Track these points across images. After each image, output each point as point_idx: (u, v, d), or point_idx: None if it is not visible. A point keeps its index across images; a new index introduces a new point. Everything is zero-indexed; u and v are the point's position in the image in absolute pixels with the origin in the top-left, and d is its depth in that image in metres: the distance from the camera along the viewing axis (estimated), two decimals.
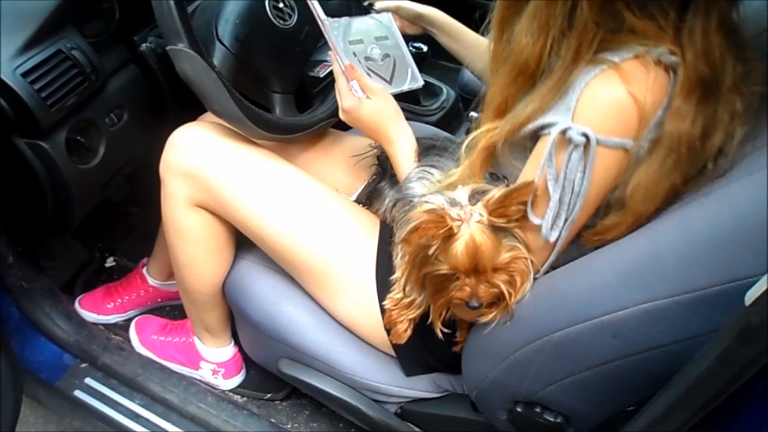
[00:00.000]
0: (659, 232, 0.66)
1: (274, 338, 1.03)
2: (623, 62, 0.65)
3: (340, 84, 0.93)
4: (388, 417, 1.01)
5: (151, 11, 0.86)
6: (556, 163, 0.66)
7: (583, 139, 0.64)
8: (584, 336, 0.68)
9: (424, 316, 0.81)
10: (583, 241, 0.74)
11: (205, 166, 0.97)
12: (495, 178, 0.77)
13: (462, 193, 0.72)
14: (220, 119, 0.97)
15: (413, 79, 1.03)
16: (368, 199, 1.06)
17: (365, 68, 0.95)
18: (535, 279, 0.75)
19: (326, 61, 1.19)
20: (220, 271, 1.07)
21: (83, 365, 1.25)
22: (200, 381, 1.24)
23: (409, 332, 0.86)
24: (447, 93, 1.64)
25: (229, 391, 1.25)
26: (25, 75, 0.89)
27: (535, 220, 0.69)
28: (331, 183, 1.05)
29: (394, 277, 0.84)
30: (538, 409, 0.78)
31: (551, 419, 0.78)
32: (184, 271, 1.07)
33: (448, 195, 0.72)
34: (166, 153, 1.00)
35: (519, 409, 0.80)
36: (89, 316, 1.32)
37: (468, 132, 0.81)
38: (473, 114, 0.85)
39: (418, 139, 0.93)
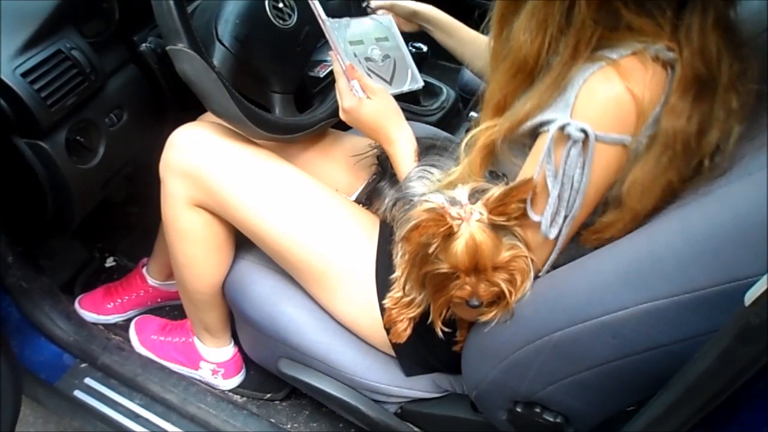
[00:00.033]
0: (659, 232, 0.66)
1: (274, 338, 1.03)
2: (621, 59, 0.65)
3: (341, 84, 0.93)
4: (387, 417, 1.01)
5: (150, 11, 0.86)
6: (555, 159, 0.66)
7: (581, 135, 0.64)
8: (584, 336, 0.68)
9: (424, 315, 0.81)
10: (582, 240, 0.74)
11: (205, 166, 0.97)
12: (495, 176, 0.78)
13: (462, 192, 0.72)
14: (220, 119, 0.97)
15: (413, 80, 1.03)
16: (368, 198, 1.06)
17: (365, 69, 0.95)
18: (537, 278, 0.75)
19: (326, 61, 1.19)
20: (220, 271, 1.07)
21: (83, 365, 1.25)
22: (200, 381, 1.24)
23: (408, 331, 0.86)
24: (447, 93, 1.64)
25: (229, 391, 1.25)
26: (24, 75, 0.89)
27: (534, 216, 0.69)
28: (331, 183, 1.05)
29: (394, 275, 0.84)
30: (537, 409, 0.78)
31: (551, 419, 0.78)
32: (184, 271, 1.07)
33: (448, 194, 0.72)
34: (166, 153, 1.00)
35: (519, 409, 0.80)
36: (89, 316, 1.32)
37: (468, 131, 0.81)
38: (473, 114, 0.85)
39: (418, 139, 0.93)
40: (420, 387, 0.98)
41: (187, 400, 1.20)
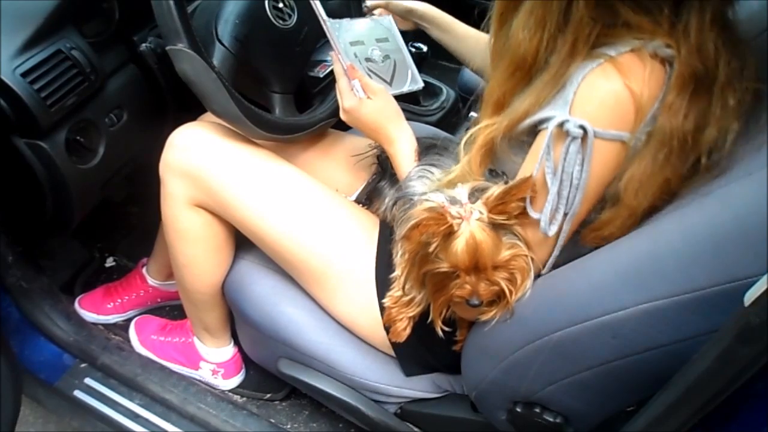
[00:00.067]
0: (659, 232, 0.66)
1: (274, 338, 1.03)
2: (620, 56, 0.66)
3: (342, 84, 0.93)
4: (387, 417, 1.01)
5: (150, 11, 0.86)
6: (554, 156, 0.67)
7: (580, 132, 0.64)
8: (584, 336, 0.68)
9: (424, 315, 0.81)
10: (580, 238, 0.74)
11: (205, 166, 0.97)
12: (494, 174, 0.78)
13: (462, 191, 0.72)
14: (220, 119, 0.97)
15: (413, 81, 1.03)
16: (368, 198, 1.06)
17: (366, 69, 0.95)
18: (538, 276, 0.75)
19: (326, 61, 1.19)
20: (220, 271, 1.07)
21: (83, 365, 1.25)
22: (200, 381, 1.24)
23: (408, 330, 0.86)
24: (447, 93, 1.64)
25: (229, 391, 1.25)
26: (24, 75, 0.89)
27: (534, 214, 0.69)
28: (331, 183, 1.05)
29: (393, 275, 0.84)
30: (537, 410, 0.78)
31: (551, 419, 0.78)
32: (184, 271, 1.07)
33: (448, 193, 0.72)
34: (166, 153, 1.00)
35: (518, 410, 0.80)
36: (89, 316, 1.32)
37: (467, 130, 0.81)
38: (473, 114, 0.86)
39: (418, 139, 0.93)
40: (420, 387, 0.98)
41: (187, 400, 1.20)
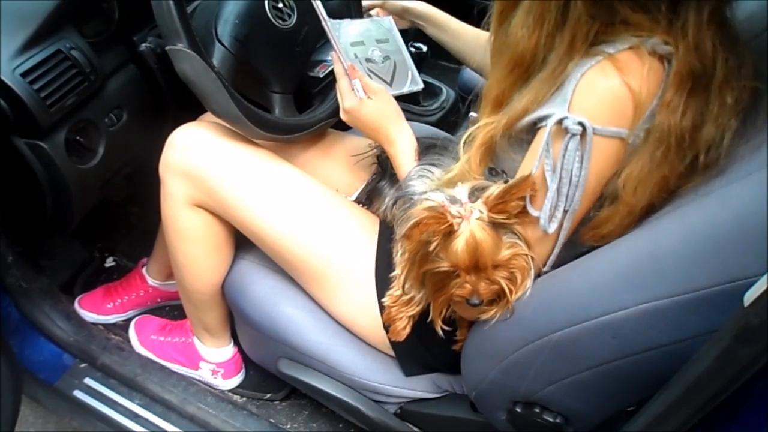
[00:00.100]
0: (659, 232, 0.66)
1: (274, 338, 1.03)
2: (618, 53, 0.66)
3: (342, 84, 0.93)
4: (387, 417, 1.01)
5: (150, 11, 0.86)
6: (554, 153, 0.67)
7: (579, 129, 0.64)
8: (584, 336, 0.68)
9: (424, 315, 0.81)
10: (579, 237, 0.74)
11: (205, 166, 0.97)
12: (494, 173, 0.78)
13: (462, 191, 0.72)
14: (220, 119, 0.97)
15: (413, 82, 1.03)
16: (368, 198, 1.06)
17: (366, 70, 0.95)
18: (540, 275, 0.75)
19: (326, 61, 1.19)
20: (220, 271, 1.07)
21: (83, 365, 1.25)
22: (200, 381, 1.24)
23: (407, 330, 0.86)
24: (447, 93, 1.64)
25: (229, 391, 1.25)
26: (24, 75, 0.89)
27: (533, 211, 0.70)
28: (331, 183, 1.05)
29: (393, 274, 0.84)
30: (537, 410, 0.78)
31: (550, 419, 0.78)
32: (184, 271, 1.07)
33: (448, 192, 0.73)
34: (166, 153, 1.00)
35: (518, 410, 0.80)
36: (89, 316, 1.32)
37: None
38: (473, 114, 0.86)
39: (418, 139, 0.93)
40: (419, 387, 0.98)
41: (187, 400, 1.20)
